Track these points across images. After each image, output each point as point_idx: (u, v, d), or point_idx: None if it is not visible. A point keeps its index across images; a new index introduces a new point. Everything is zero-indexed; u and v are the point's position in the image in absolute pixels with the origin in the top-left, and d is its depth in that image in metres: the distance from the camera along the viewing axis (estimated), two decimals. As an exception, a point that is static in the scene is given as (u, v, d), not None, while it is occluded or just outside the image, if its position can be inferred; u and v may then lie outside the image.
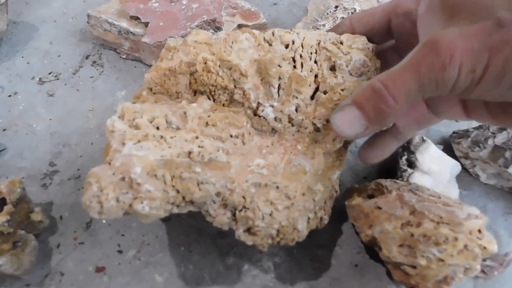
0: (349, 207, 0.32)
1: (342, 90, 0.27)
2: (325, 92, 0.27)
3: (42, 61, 0.47)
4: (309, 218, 0.27)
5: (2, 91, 0.44)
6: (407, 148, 0.35)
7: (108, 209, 0.23)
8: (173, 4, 0.43)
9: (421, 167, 0.34)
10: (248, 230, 0.26)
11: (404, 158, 0.35)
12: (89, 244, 0.34)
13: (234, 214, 0.26)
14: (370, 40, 0.29)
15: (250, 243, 0.26)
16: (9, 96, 0.44)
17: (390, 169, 0.36)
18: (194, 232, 0.34)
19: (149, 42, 0.41)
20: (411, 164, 0.34)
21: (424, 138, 0.35)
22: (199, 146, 0.25)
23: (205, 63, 0.27)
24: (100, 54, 0.48)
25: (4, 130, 0.41)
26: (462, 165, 0.37)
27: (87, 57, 0.48)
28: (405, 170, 0.34)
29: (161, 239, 0.34)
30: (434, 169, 0.34)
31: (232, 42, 0.28)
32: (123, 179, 0.23)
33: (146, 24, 0.43)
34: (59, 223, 0.35)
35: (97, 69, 0.47)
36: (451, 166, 0.35)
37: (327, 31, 0.29)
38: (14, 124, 0.42)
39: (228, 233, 0.34)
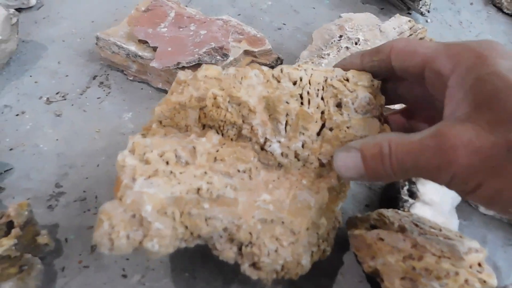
0: (351, 237, 0.33)
1: (347, 127, 0.28)
2: (331, 129, 0.28)
3: (50, 81, 0.48)
4: (312, 252, 0.28)
5: (10, 110, 0.45)
6: (409, 179, 0.36)
7: (118, 246, 0.24)
8: (181, 30, 0.44)
9: (423, 198, 0.35)
10: (253, 265, 0.27)
11: (405, 188, 0.35)
12: (93, 268, 0.34)
13: (240, 249, 0.27)
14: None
15: (256, 277, 0.27)
16: (17, 115, 0.44)
17: (392, 198, 0.36)
18: (199, 258, 0.35)
19: (158, 67, 0.41)
20: (413, 195, 0.35)
21: (426, 169, 0.36)
22: (207, 183, 0.26)
23: (215, 98, 0.28)
24: (107, 75, 0.49)
25: (11, 149, 0.42)
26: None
27: (94, 78, 0.49)
28: (407, 201, 0.35)
29: (166, 264, 0.34)
30: (435, 200, 0.35)
31: (242, 78, 0.29)
32: (133, 216, 0.24)
33: (154, 49, 0.44)
34: (64, 245, 0.35)
35: (104, 90, 0.47)
36: (452, 197, 0.36)
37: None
38: (21, 144, 0.42)
39: (232, 259, 0.35)
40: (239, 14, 0.57)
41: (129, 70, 0.47)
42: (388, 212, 0.33)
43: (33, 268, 0.32)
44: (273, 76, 0.29)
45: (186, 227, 0.25)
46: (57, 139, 0.43)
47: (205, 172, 0.26)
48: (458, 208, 0.37)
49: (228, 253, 0.26)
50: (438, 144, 0.20)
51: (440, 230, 0.32)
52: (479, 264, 0.29)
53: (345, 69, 0.29)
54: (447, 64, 0.23)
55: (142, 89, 0.47)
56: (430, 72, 0.24)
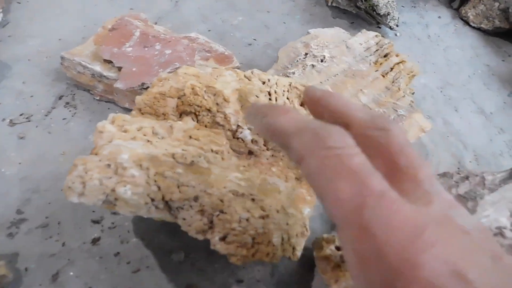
0: (317, 259, 0.33)
1: None
2: None
3: (14, 102, 0.47)
4: (283, 239, 0.28)
5: (-29, 134, 0.43)
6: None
7: (90, 188, 0.24)
8: (146, 49, 0.44)
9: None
10: (224, 239, 0.26)
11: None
12: (55, 298, 0.33)
13: (210, 222, 0.26)
14: None
15: (225, 252, 0.26)
16: (-21, 138, 0.43)
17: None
18: (164, 284, 0.34)
19: (122, 88, 0.41)
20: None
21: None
22: (183, 150, 0.27)
23: (193, 88, 0.31)
24: (74, 94, 0.48)
25: (-29, 174, 0.40)
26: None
27: (60, 98, 0.48)
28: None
29: (130, 291, 0.33)
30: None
31: (217, 76, 0.32)
32: (108, 165, 0.25)
33: (119, 68, 0.43)
34: (24, 275, 0.34)
35: (70, 111, 0.46)
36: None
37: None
38: (-18, 168, 0.41)
39: (198, 285, 0.34)
40: (209, 30, 0.57)
41: (95, 90, 0.46)
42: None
43: (-11, 302, 0.30)
44: (245, 76, 0.33)
45: (159, 188, 0.25)
46: (20, 163, 0.42)
47: (181, 144, 0.28)
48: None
49: (198, 225, 0.26)
50: None
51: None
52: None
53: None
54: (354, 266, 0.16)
55: (109, 109, 0.47)
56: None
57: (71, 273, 0.34)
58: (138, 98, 0.32)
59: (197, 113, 0.31)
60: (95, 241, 0.36)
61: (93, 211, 0.38)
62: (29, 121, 0.45)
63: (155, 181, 0.26)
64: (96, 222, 0.38)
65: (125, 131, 0.28)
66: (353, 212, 0.14)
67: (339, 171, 0.15)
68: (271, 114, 0.18)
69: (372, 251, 0.14)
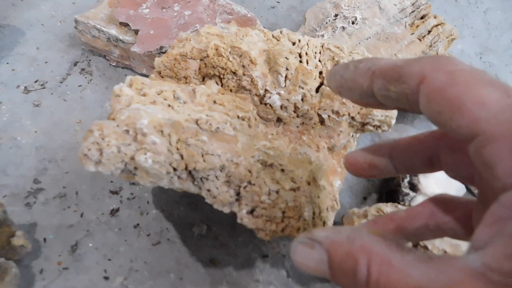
0: (348, 235, 0.30)
1: None
2: None
3: (28, 68, 0.45)
4: (314, 213, 0.26)
5: (-14, 101, 0.42)
6: (410, 170, 0.33)
7: (108, 156, 0.22)
8: (164, 10, 0.41)
9: (424, 191, 0.32)
10: (252, 212, 0.24)
11: (406, 180, 0.33)
12: (74, 270, 0.32)
13: (237, 194, 0.24)
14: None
15: (253, 226, 0.24)
16: (-7, 106, 0.42)
17: (392, 191, 0.34)
18: (185, 258, 0.32)
19: (139, 52, 0.38)
20: (414, 187, 0.33)
21: (428, 159, 0.34)
22: (207, 115, 0.25)
23: (217, 49, 0.28)
24: (89, 60, 0.46)
25: (-13, 143, 0.39)
26: (466, 186, 0.35)
27: (75, 64, 0.46)
28: (407, 194, 0.32)
29: (150, 265, 0.32)
30: (438, 193, 0.33)
31: (243, 36, 0.30)
32: (127, 131, 0.23)
33: (136, 32, 0.41)
34: (43, 246, 0.33)
35: (86, 77, 0.44)
36: (456, 189, 0.33)
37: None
38: (-2, 137, 0.40)
39: (221, 260, 0.33)
40: (229, -8, 0.53)
41: (111, 55, 0.44)
42: (387, 207, 0.31)
43: (7, 273, 0.29)
44: (273, 36, 0.30)
45: (182, 157, 0.23)
46: (35, 131, 0.40)
47: (204, 110, 0.26)
48: (463, 200, 0.35)
49: (224, 197, 0.24)
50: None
51: (443, 227, 0.29)
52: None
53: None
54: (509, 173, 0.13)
55: (126, 75, 0.44)
56: (477, 156, 0.14)
57: (90, 245, 0.33)
58: (158, 60, 0.29)
59: (221, 76, 0.28)
60: (113, 212, 0.35)
61: (111, 182, 0.37)
62: (44, 88, 0.43)
63: (178, 149, 0.23)
64: (114, 192, 0.36)
65: (144, 95, 0.26)
66: (507, 109, 0.14)
67: (478, 80, 0.14)
68: (367, 60, 0.18)
69: None
